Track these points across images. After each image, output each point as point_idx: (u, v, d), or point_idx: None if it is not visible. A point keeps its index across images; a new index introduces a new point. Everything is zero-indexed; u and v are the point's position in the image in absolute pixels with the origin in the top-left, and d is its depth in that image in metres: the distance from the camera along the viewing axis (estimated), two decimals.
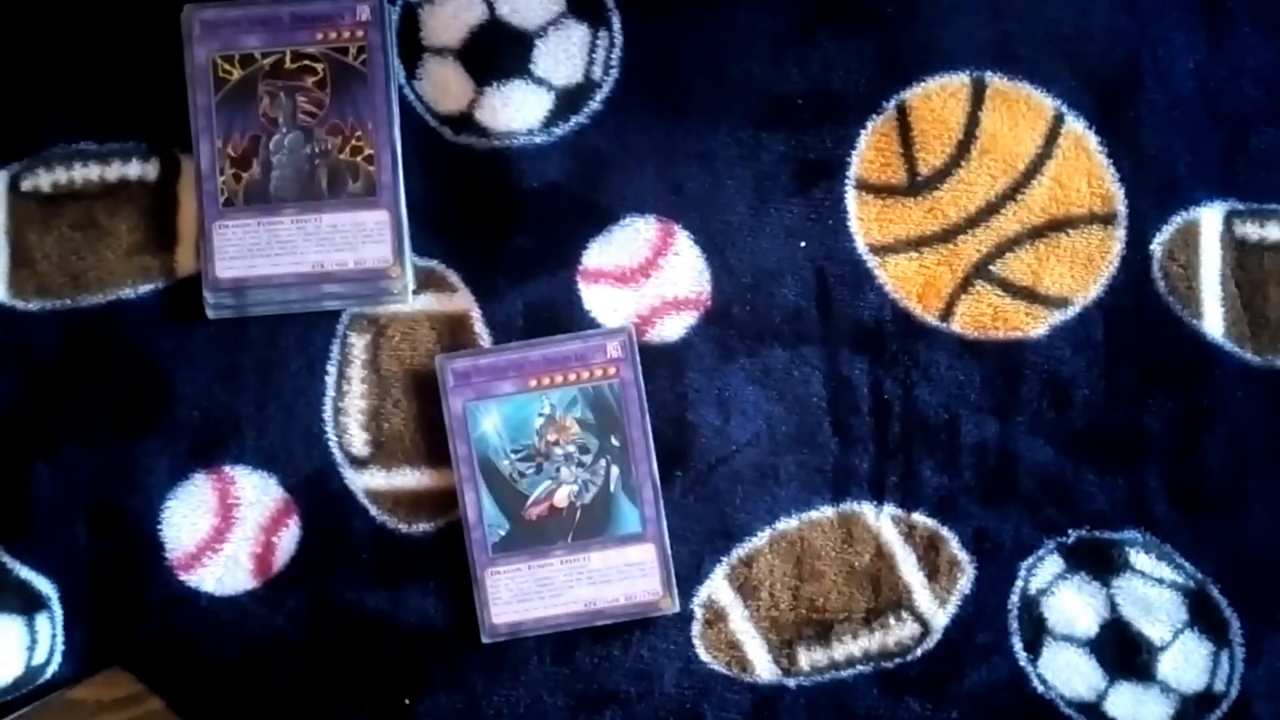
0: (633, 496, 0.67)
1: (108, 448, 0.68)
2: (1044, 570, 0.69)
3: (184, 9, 0.68)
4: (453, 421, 0.67)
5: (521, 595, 0.67)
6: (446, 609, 0.68)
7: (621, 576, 0.67)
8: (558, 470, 0.67)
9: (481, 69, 0.70)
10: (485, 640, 0.67)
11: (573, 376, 0.67)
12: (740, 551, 0.69)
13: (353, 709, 0.68)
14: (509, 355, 0.68)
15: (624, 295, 0.70)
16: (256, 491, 0.69)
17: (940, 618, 0.69)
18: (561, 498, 0.67)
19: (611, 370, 0.68)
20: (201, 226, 0.68)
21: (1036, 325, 0.70)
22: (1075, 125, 0.70)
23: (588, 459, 0.67)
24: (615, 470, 0.67)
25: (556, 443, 0.67)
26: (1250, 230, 0.70)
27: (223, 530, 0.69)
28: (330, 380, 0.69)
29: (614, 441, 0.67)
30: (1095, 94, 0.70)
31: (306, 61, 0.69)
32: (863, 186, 0.70)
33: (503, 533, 0.67)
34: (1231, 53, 0.70)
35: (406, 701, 0.68)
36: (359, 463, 0.69)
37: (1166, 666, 0.69)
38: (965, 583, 0.69)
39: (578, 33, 0.70)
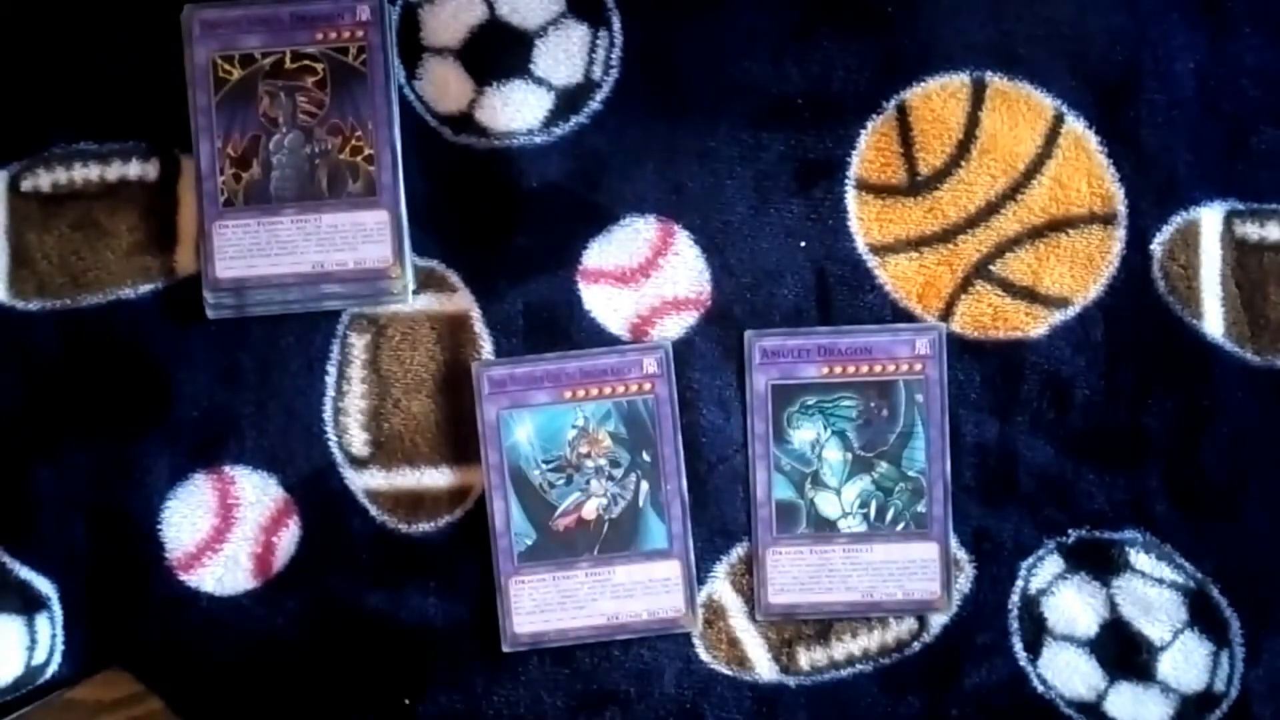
0: (661, 512, 0.67)
1: (108, 448, 0.68)
2: (1044, 570, 0.69)
3: (184, 9, 0.68)
4: (486, 429, 0.67)
5: (544, 606, 0.67)
6: (447, 609, 0.68)
7: (645, 591, 0.67)
8: (587, 483, 0.67)
9: (481, 69, 0.70)
10: (506, 649, 0.67)
11: (608, 390, 0.67)
12: (740, 551, 0.69)
13: (353, 709, 0.68)
14: (545, 365, 0.67)
15: (624, 295, 0.70)
16: (256, 491, 0.69)
17: (940, 617, 0.69)
18: (590, 510, 0.67)
19: (647, 386, 0.67)
20: (201, 226, 0.68)
21: (1036, 325, 0.70)
22: (1075, 125, 0.70)
23: (618, 473, 0.67)
24: (645, 486, 0.67)
25: (588, 455, 0.67)
26: (1250, 230, 0.70)
27: (223, 530, 0.69)
28: (330, 380, 0.69)
29: (645, 457, 0.67)
30: (1095, 94, 0.70)
31: (306, 61, 0.69)
32: (863, 186, 0.70)
33: (529, 542, 0.67)
34: (1231, 53, 0.70)
35: (407, 702, 0.68)
36: (359, 463, 0.69)
37: (1166, 666, 0.69)
38: (965, 582, 0.69)
39: (578, 33, 0.70)
